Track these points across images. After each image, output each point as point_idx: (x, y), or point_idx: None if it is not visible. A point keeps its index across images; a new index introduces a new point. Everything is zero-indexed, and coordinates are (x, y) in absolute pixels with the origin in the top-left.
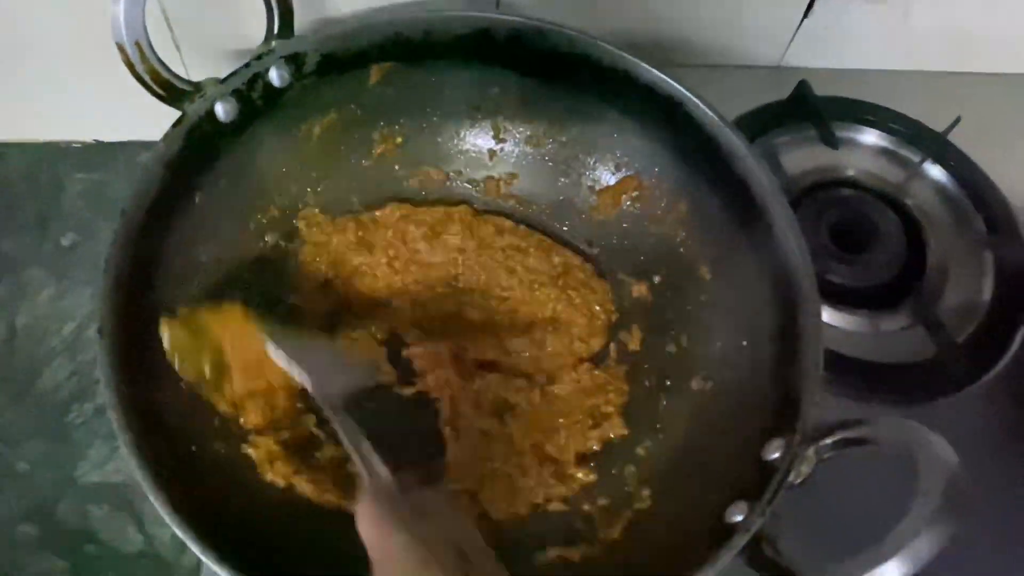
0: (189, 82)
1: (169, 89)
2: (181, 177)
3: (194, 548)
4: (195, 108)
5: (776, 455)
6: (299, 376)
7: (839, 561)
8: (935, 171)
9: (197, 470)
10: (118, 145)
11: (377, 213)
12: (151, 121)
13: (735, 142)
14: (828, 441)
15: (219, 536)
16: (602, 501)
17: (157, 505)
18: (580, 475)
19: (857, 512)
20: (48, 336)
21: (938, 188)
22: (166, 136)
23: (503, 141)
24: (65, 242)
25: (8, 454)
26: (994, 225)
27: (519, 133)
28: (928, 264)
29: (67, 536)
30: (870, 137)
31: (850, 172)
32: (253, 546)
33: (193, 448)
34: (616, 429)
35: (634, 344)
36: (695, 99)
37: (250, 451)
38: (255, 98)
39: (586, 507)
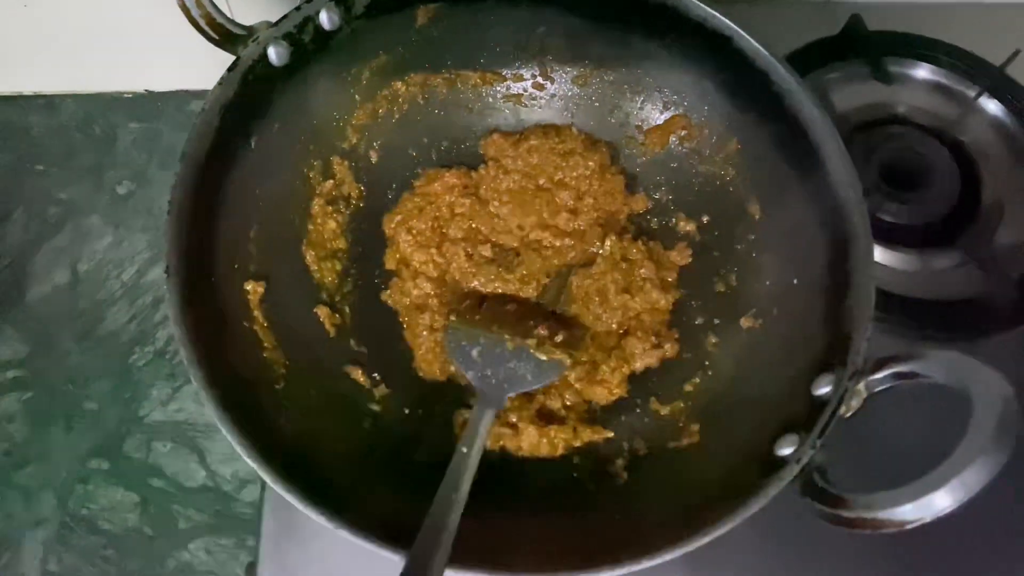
0: (242, 26)
1: (223, 33)
2: (237, 120)
3: (265, 476)
4: (249, 52)
5: (826, 390)
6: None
7: (890, 490)
8: (992, 105)
9: (265, 405)
10: (168, 94)
11: (430, 187)
12: (198, 71)
13: (786, 77)
14: (879, 375)
15: (290, 467)
16: (648, 439)
17: (227, 434)
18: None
19: (908, 444)
20: (109, 281)
21: (994, 123)
22: (222, 80)
23: (551, 81)
24: (121, 190)
25: (77, 393)
26: None
27: (566, 73)
28: (982, 201)
29: (135, 471)
30: (924, 72)
31: (902, 109)
32: (320, 477)
33: (260, 386)
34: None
35: (683, 259)
36: (745, 34)
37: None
38: (306, 41)
39: (625, 445)
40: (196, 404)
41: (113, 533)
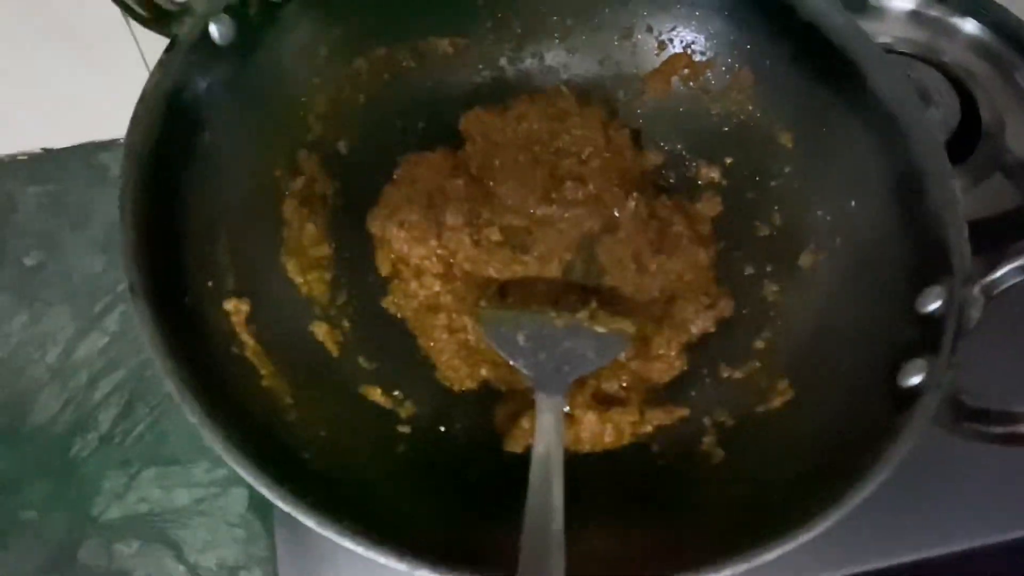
0: (175, 2)
1: (154, 10)
2: (184, 111)
3: (309, 521)
4: (188, 29)
5: (937, 304)
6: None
7: None
8: (968, 25)
9: (281, 439)
10: (70, 150)
11: (414, 172)
12: (104, 118)
13: None
14: (995, 275)
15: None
16: (731, 409)
17: (243, 471)
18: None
19: None
20: (30, 366)
21: (974, 42)
22: (160, 63)
23: (529, 39)
24: (29, 262)
25: (10, 504)
26: None
27: (545, 27)
28: (983, 118)
29: None
30: (896, 2)
31: (885, 39)
32: (371, 514)
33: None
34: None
35: (714, 210)
36: None
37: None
38: (251, 15)
39: (706, 420)
40: (161, 489)
41: None
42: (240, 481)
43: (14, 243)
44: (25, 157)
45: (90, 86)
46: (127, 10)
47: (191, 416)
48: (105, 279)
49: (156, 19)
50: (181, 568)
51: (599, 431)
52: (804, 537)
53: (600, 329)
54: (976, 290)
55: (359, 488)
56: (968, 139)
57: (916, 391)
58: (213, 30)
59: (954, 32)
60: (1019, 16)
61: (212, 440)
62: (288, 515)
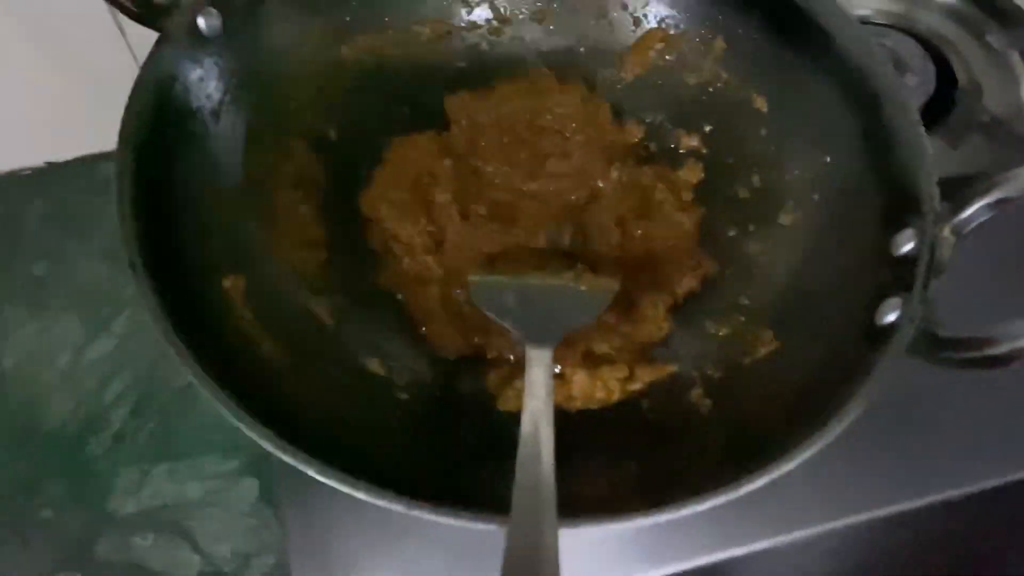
0: None
1: (143, 5)
2: (175, 101)
3: (311, 471)
4: (175, 23)
5: (910, 246)
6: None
7: None
8: None
9: (279, 395)
10: (72, 163)
11: (402, 154)
12: (102, 131)
13: None
14: (965, 213)
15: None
16: (719, 362)
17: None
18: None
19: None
20: (42, 372)
21: (948, 9)
22: (151, 55)
23: (507, 22)
24: (37, 271)
25: (27, 503)
26: (1012, 24)
27: (522, 11)
28: (959, 81)
29: None
30: None
31: (861, 11)
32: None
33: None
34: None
35: (696, 176)
36: None
37: None
38: (237, 6)
39: (695, 374)
40: (174, 483)
41: None
42: (250, 472)
43: (23, 256)
44: (29, 171)
45: (88, 100)
46: (117, 6)
47: (192, 376)
48: (111, 285)
49: (146, 15)
50: (196, 558)
51: (590, 388)
52: (785, 468)
53: (585, 287)
54: (947, 230)
55: (356, 443)
56: (945, 104)
57: (891, 327)
58: (201, 22)
59: (928, 1)
60: None
61: (214, 399)
62: (298, 502)
